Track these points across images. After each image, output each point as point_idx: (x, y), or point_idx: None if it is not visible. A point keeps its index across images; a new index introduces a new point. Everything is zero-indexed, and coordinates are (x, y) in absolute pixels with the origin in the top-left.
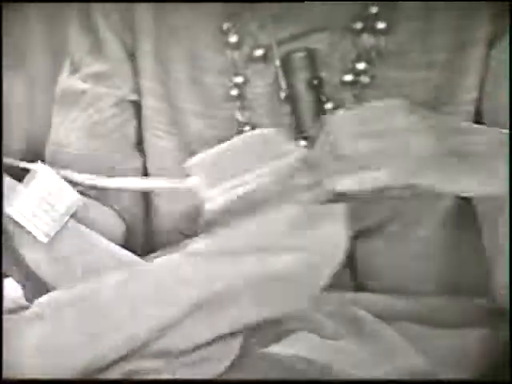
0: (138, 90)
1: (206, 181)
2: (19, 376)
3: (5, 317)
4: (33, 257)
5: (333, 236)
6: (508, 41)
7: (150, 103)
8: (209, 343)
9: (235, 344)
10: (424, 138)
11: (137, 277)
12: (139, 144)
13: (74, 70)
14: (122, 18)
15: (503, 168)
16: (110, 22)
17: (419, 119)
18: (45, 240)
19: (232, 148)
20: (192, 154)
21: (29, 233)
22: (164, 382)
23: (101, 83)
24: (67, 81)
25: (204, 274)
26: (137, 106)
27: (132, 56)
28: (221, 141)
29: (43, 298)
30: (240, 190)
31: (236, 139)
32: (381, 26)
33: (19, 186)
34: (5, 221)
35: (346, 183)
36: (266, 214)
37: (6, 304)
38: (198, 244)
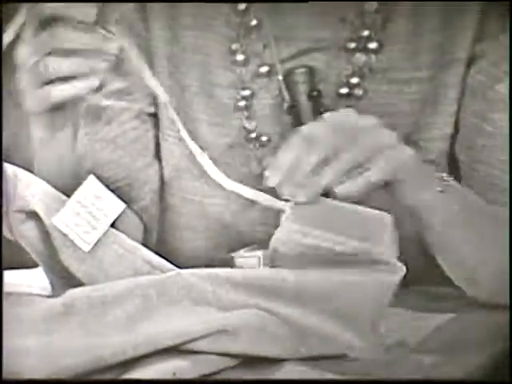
0: (155, 103)
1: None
2: (24, 367)
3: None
4: (73, 260)
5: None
6: (485, 62)
7: (166, 114)
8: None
9: None
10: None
11: (163, 287)
12: (158, 152)
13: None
14: (140, 40)
15: None
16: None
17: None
18: (87, 249)
19: (335, 208)
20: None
21: (71, 241)
22: (164, 381)
23: (122, 98)
24: (90, 97)
25: (235, 303)
26: (155, 118)
27: None
28: (230, 147)
29: (76, 292)
30: (314, 243)
31: (347, 205)
32: (372, 46)
33: (62, 196)
34: (52, 229)
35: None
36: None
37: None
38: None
